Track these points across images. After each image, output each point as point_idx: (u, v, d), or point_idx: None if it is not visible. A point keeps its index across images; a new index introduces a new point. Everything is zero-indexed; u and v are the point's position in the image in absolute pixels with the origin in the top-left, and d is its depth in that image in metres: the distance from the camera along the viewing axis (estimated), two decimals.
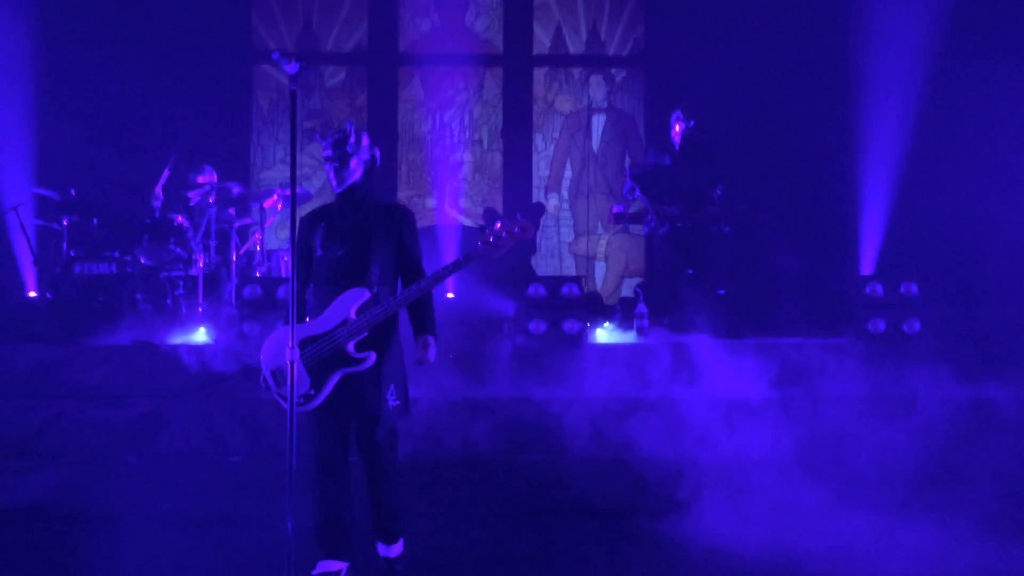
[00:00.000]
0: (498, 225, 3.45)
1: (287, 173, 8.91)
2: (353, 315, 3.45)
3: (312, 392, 3.49)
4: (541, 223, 9.05)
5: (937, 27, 7.66)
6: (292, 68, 3.27)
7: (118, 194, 7.49)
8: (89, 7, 8.25)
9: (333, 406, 3.50)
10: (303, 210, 3.94)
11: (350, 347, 3.45)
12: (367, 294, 3.48)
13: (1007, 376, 5.68)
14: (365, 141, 3.65)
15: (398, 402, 3.55)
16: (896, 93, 7.90)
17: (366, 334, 3.46)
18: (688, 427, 5.25)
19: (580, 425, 5.40)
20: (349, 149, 3.59)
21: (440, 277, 3.45)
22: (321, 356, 3.47)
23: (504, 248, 3.43)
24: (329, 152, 3.58)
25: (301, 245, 3.63)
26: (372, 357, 3.46)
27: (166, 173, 6.94)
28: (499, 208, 9.04)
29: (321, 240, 3.58)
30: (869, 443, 5.06)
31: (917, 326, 6.29)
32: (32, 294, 7.29)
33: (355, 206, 3.60)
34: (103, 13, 8.32)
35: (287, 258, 7.16)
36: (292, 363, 3.24)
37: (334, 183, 3.61)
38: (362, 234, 3.57)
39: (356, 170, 3.60)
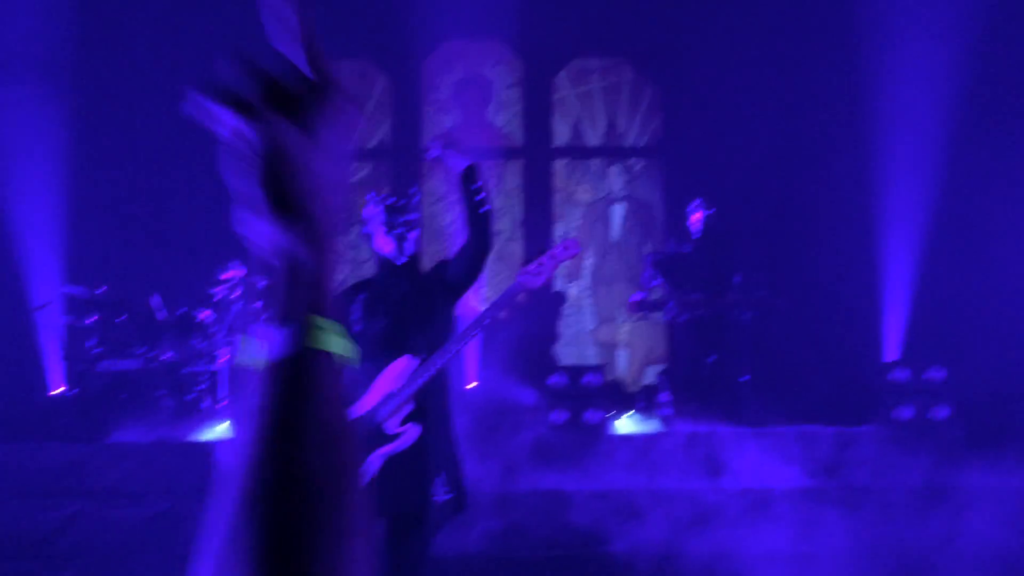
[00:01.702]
0: (540, 253, 3.22)
1: None
2: (398, 387, 3.13)
3: None
4: (562, 311, 9.06)
5: (959, 102, 7.70)
6: None
7: (146, 290, 7.62)
8: (119, 105, 8.55)
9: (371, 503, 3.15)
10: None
11: (389, 425, 3.12)
12: (415, 362, 3.16)
13: None
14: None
15: (451, 495, 3.16)
16: (918, 173, 7.91)
17: (412, 406, 3.14)
18: (714, 519, 5.13)
19: (603, 518, 5.30)
20: (414, 216, 3.35)
21: (482, 321, 3.15)
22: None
23: (548, 272, 3.20)
24: (396, 218, 3.29)
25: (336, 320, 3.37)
26: (413, 431, 3.11)
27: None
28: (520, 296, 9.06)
29: (361, 314, 3.29)
30: (905, 535, 4.91)
31: (945, 413, 6.16)
32: (59, 390, 7.38)
33: (402, 277, 3.34)
34: (133, 109, 8.61)
35: None
36: None
37: (393, 253, 3.32)
38: (408, 302, 3.29)
39: (418, 240, 3.37)
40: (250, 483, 0.69)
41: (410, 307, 3.30)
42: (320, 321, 0.75)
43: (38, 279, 7.72)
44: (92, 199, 8.35)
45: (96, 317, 6.79)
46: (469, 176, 3.26)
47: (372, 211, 3.37)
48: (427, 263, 3.49)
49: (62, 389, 7.32)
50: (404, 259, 3.33)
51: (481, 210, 3.26)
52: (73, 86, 8.15)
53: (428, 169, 9.38)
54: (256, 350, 0.75)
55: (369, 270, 3.51)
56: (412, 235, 3.35)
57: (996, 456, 5.44)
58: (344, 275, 8.78)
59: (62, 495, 5.60)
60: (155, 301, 6.90)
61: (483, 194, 3.25)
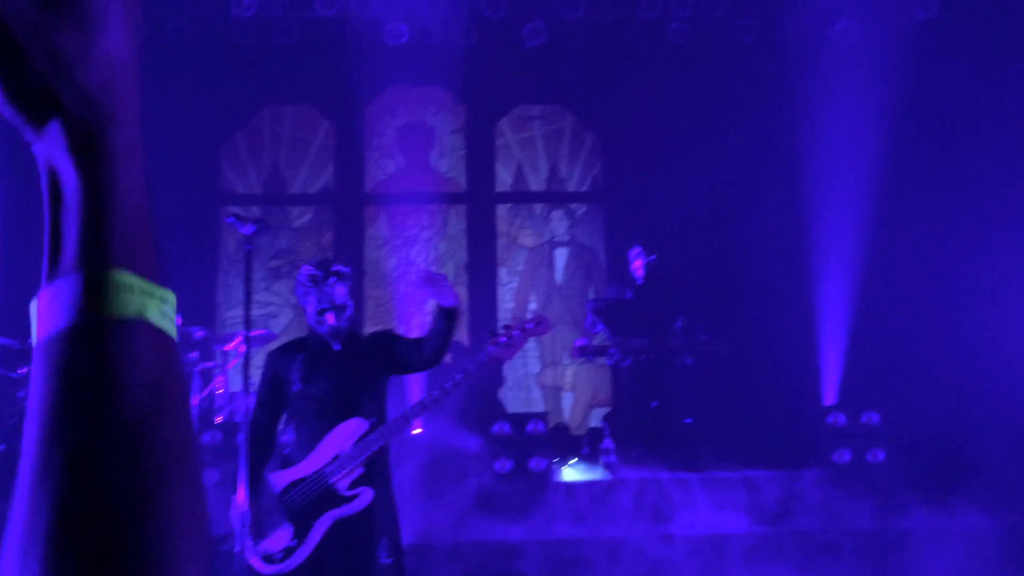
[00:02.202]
0: (509, 325, 3.24)
1: (255, 312, 8.89)
2: (349, 448, 3.15)
3: (294, 543, 3.12)
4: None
5: (890, 148, 7.97)
6: (247, 230, 3.29)
7: None
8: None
9: (314, 564, 3.11)
10: (268, 348, 3.75)
11: (341, 486, 3.14)
12: (365, 425, 3.20)
13: (978, 503, 5.66)
14: None
15: (391, 559, 3.19)
16: (851, 218, 8.15)
17: (362, 471, 3.16)
18: (662, 567, 5.15)
19: (548, 568, 5.28)
20: (343, 301, 3.37)
21: (448, 391, 3.15)
22: (306, 500, 3.14)
23: (519, 346, 3.21)
24: (324, 304, 3.31)
25: (271, 380, 3.35)
26: (367, 495, 3.13)
27: None
28: (465, 341, 9.08)
29: (300, 374, 3.30)
30: None
31: (881, 456, 6.30)
32: None
33: (338, 345, 3.38)
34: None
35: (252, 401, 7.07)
36: (243, 522, 3.13)
37: (330, 336, 3.34)
38: (351, 365, 3.32)
39: (348, 318, 3.39)
40: (24, 516, 0.48)
41: (353, 371, 3.33)
42: (121, 278, 0.52)
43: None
44: (24, 244, 8.15)
45: (27, 368, 6.59)
46: (452, 315, 3.30)
47: (302, 292, 3.42)
48: (367, 317, 3.53)
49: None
50: (339, 344, 3.39)
51: (449, 339, 3.33)
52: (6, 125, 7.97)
53: (371, 215, 9.37)
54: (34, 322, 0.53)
55: (291, 313, 3.58)
56: (345, 315, 3.39)
57: (934, 498, 5.57)
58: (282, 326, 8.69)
59: None
60: None
61: (452, 333, 3.32)
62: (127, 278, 0.52)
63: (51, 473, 0.48)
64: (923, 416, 6.89)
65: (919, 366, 7.64)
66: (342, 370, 3.33)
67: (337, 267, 3.44)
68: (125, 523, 0.48)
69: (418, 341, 3.40)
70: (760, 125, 8.59)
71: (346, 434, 3.21)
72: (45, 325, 0.52)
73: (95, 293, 0.51)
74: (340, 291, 3.39)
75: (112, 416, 0.49)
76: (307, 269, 3.43)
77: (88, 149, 0.53)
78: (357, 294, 8.90)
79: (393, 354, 3.41)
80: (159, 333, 0.53)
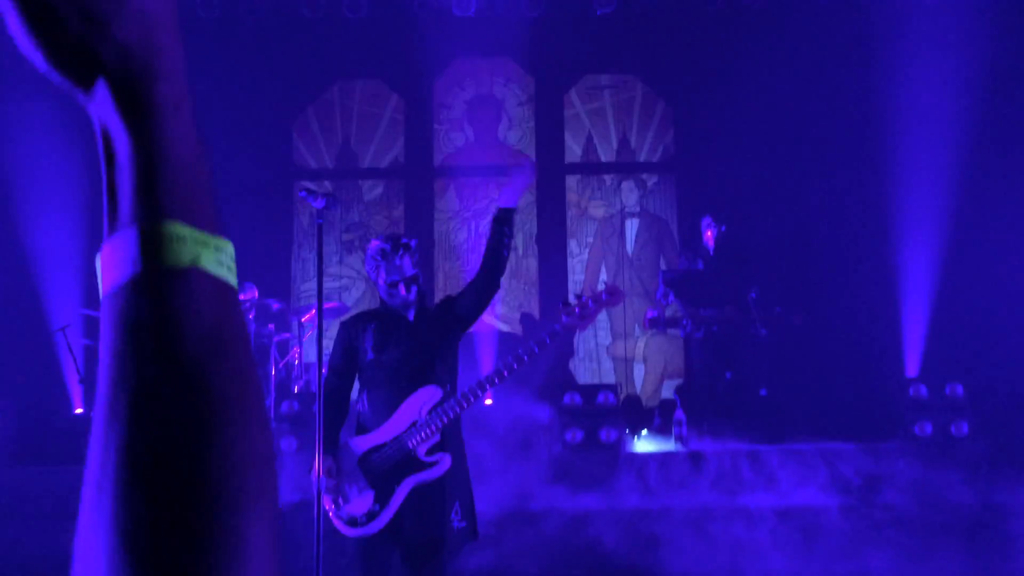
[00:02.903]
0: (582, 295, 3.25)
1: (328, 284, 9.07)
2: (424, 416, 3.23)
3: (377, 508, 3.21)
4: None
5: (977, 115, 7.67)
6: (319, 204, 3.32)
7: None
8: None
9: (394, 527, 3.20)
10: (342, 319, 3.80)
11: (421, 451, 3.21)
12: (439, 393, 3.27)
13: None
14: None
15: (464, 523, 3.26)
16: (935, 187, 7.86)
17: (438, 438, 3.24)
18: (730, 539, 5.10)
19: (618, 537, 5.27)
20: (413, 272, 3.43)
21: (522, 360, 3.18)
22: (387, 465, 3.22)
23: (593, 317, 3.24)
24: (395, 276, 3.37)
25: (344, 349, 3.42)
26: (445, 460, 3.21)
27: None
28: (535, 313, 9.08)
29: (373, 343, 3.37)
30: (924, 552, 4.86)
31: (965, 429, 6.11)
32: (79, 411, 7.43)
33: (409, 315, 3.44)
34: None
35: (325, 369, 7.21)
36: (319, 491, 3.20)
37: (397, 305, 3.41)
38: (422, 334, 3.38)
39: (418, 290, 3.45)
40: (97, 471, 0.50)
41: (424, 339, 3.38)
42: (175, 228, 0.52)
43: (57, 301, 7.79)
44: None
45: None
46: (506, 217, 3.41)
47: (372, 265, 3.48)
48: (438, 289, 3.58)
49: (80, 411, 7.38)
50: (412, 314, 3.44)
51: (503, 252, 3.38)
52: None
53: (441, 188, 9.42)
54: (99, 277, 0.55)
55: (363, 286, 3.63)
56: (414, 289, 3.44)
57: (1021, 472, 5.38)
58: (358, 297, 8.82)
59: (26, 517, 5.63)
60: None
61: (509, 238, 3.33)
62: (180, 229, 0.53)
63: (118, 415, 0.50)
64: (1008, 388, 6.65)
65: (1004, 337, 7.37)
66: (414, 339, 3.39)
67: (405, 240, 3.49)
68: (189, 458, 0.49)
69: (472, 281, 3.46)
70: (839, 90, 8.33)
71: (421, 402, 3.27)
72: (108, 279, 0.54)
73: (150, 245, 0.52)
74: (409, 263, 3.43)
75: (173, 360, 0.51)
76: (376, 243, 3.49)
77: (133, 104, 0.54)
78: (427, 266, 8.98)
79: (456, 308, 3.46)
80: (216, 280, 0.54)
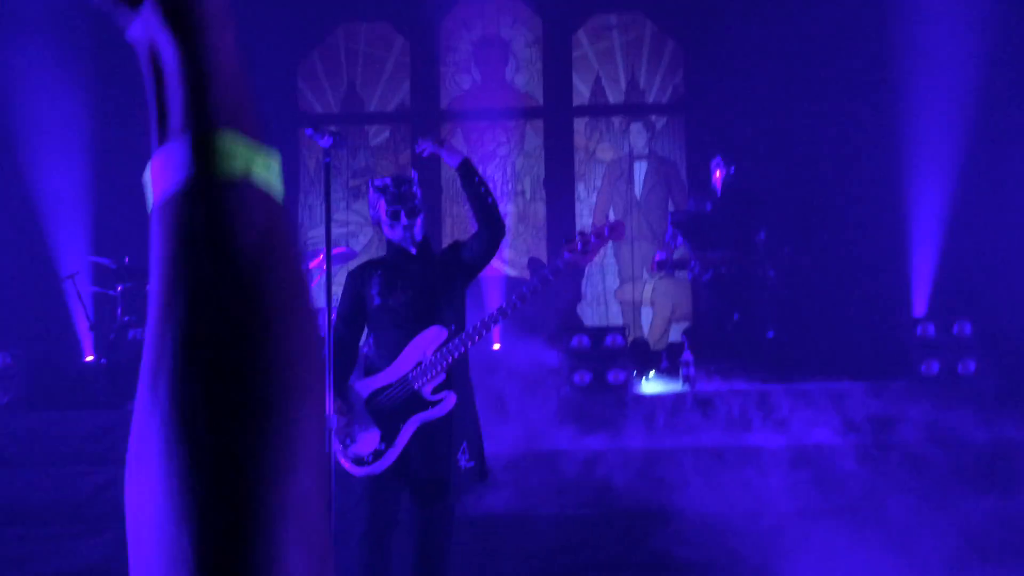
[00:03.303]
0: (585, 231, 3.24)
1: (335, 231, 9.03)
2: (430, 356, 3.24)
3: (383, 447, 3.24)
4: (585, 270, 9.04)
5: (986, 57, 7.53)
6: (325, 142, 3.29)
7: None
8: (137, 74, 8.55)
9: (401, 465, 3.24)
10: (349, 266, 3.81)
11: (426, 390, 3.24)
12: (445, 332, 3.27)
13: None
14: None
15: (472, 463, 3.30)
16: (946, 127, 7.75)
17: (444, 376, 3.25)
18: (739, 479, 5.14)
19: (627, 477, 5.33)
20: (417, 201, 3.40)
21: (525, 297, 3.21)
22: (393, 404, 3.24)
23: (595, 252, 3.25)
24: (398, 207, 3.35)
25: (352, 296, 3.41)
26: (450, 399, 3.23)
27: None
28: (543, 257, 9.07)
29: (379, 289, 3.37)
30: (933, 491, 4.90)
31: (972, 367, 6.11)
32: (89, 358, 7.50)
33: (415, 260, 3.41)
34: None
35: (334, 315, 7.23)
36: (330, 430, 3.23)
37: (402, 241, 3.38)
38: (427, 278, 3.37)
39: (424, 223, 3.44)
40: (153, 376, 0.51)
41: (429, 282, 3.38)
42: (226, 138, 0.53)
43: (65, 249, 7.82)
44: (118, 167, 8.39)
45: (123, 286, 6.87)
46: (466, 171, 3.33)
47: (373, 200, 3.45)
48: (446, 235, 3.58)
49: (91, 358, 7.45)
50: (415, 249, 3.42)
51: (487, 200, 3.33)
52: (97, 49, 8.15)
53: (448, 132, 9.34)
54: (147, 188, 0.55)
55: (370, 232, 3.62)
56: (418, 220, 3.42)
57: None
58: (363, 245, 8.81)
59: (96, 462, 5.70)
60: None
61: (484, 186, 3.31)
62: (232, 137, 0.54)
63: (175, 312, 0.52)
64: (1016, 326, 6.64)
65: (1012, 275, 7.33)
66: (419, 280, 3.38)
67: (407, 176, 3.51)
68: (245, 347, 0.51)
69: (476, 232, 3.44)
70: (850, 29, 8.18)
71: (426, 342, 3.28)
72: (158, 189, 0.54)
73: (202, 153, 0.53)
74: (410, 194, 3.41)
75: (229, 262, 0.52)
76: (376, 180, 3.50)
77: (181, 18, 0.55)
78: (435, 212, 8.95)
79: (462, 255, 3.45)
80: (266, 190, 0.55)
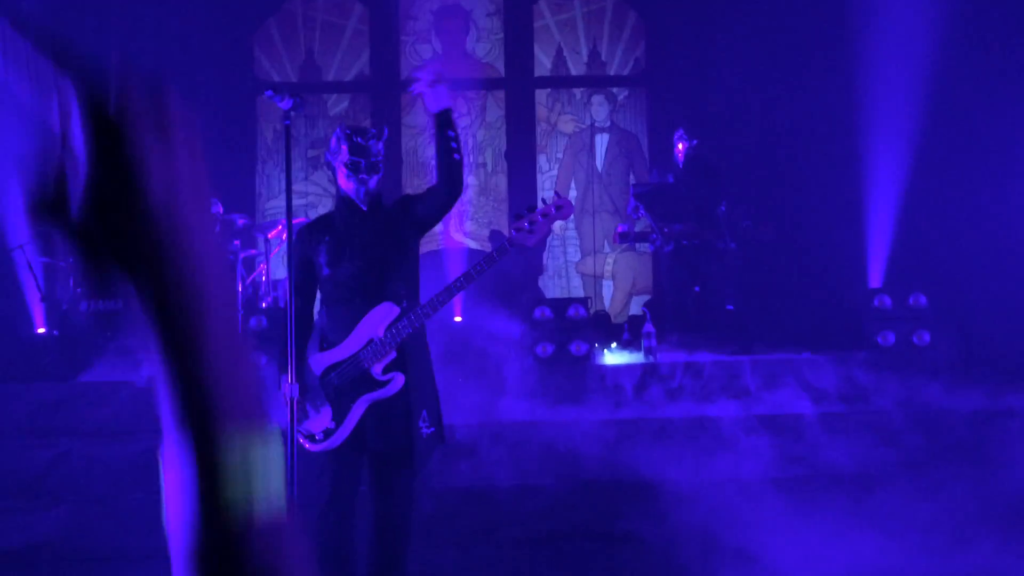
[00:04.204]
0: (533, 208, 3.18)
1: (294, 202, 8.90)
2: (381, 334, 3.21)
3: (332, 426, 3.23)
4: (547, 243, 9.03)
5: (942, 34, 7.61)
6: (286, 104, 3.20)
7: None
8: (93, 42, 8.31)
9: (356, 440, 3.23)
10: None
11: (375, 370, 3.21)
12: (396, 310, 3.23)
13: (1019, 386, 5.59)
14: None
15: (432, 429, 3.28)
16: (901, 102, 7.84)
17: (395, 355, 3.23)
18: (698, 447, 5.19)
19: (590, 448, 5.35)
20: (379, 158, 3.30)
21: (472, 275, 3.17)
22: (343, 383, 3.23)
23: (542, 231, 3.18)
24: (359, 160, 3.25)
25: (301, 262, 3.32)
26: (399, 380, 3.21)
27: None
28: (504, 230, 9.03)
29: (328, 258, 3.29)
30: (881, 457, 5.00)
31: (927, 338, 6.22)
32: (40, 330, 7.32)
33: (366, 217, 3.32)
34: (106, 48, 8.38)
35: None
36: (292, 400, 3.19)
37: (355, 195, 3.29)
38: (375, 245, 3.28)
39: (379, 180, 3.34)
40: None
41: (380, 250, 3.30)
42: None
43: (14, 219, 7.58)
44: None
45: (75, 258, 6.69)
46: (444, 121, 3.26)
47: (335, 147, 3.35)
48: (394, 198, 3.53)
49: (43, 330, 7.26)
50: (366, 206, 3.33)
51: (454, 156, 3.26)
52: (42, 15, 7.89)
53: (409, 102, 9.22)
54: None
55: (330, 204, 3.51)
56: (375, 178, 3.33)
57: (983, 380, 5.51)
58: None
59: (51, 434, 5.58)
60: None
61: (455, 142, 3.24)
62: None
63: None
64: (970, 298, 6.77)
65: (967, 248, 7.47)
66: (369, 245, 3.30)
67: (365, 126, 3.41)
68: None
69: (432, 187, 3.37)
70: (813, 4, 8.21)
71: (377, 319, 3.24)
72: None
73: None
74: (373, 146, 3.32)
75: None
76: (338, 130, 3.39)
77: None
78: (395, 183, 8.85)
79: (415, 210, 3.37)
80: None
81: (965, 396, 5.38)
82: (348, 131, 3.32)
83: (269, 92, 3.20)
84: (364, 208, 3.33)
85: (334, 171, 3.38)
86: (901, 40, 7.75)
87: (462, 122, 9.26)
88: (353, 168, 3.29)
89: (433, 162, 3.34)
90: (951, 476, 4.53)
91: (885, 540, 3.99)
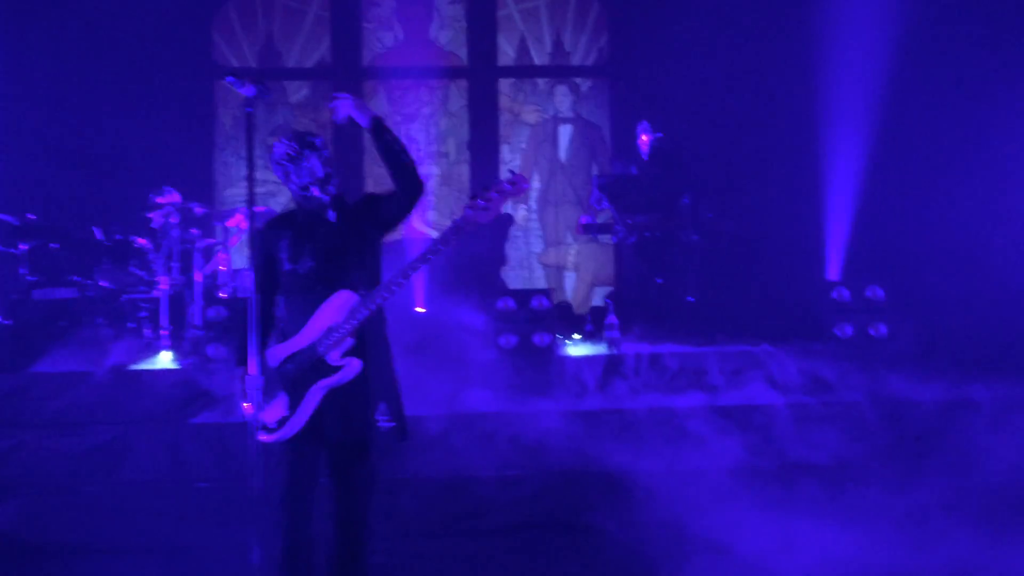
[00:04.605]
0: (487, 187, 3.16)
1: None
2: (340, 321, 3.19)
3: (287, 414, 3.21)
4: (509, 234, 9.02)
5: (900, 30, 7.73)
6: (248, 91, 3.15)
7: (78, 217, 7.34)
8: (46, 25, 8.12)
9: (313, 430, 3.21)
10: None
11: (331, 357, 3.19)
12: (355, 297, 3.21)
13: (976, 377, 5.70)
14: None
15: (392, 424, 3.27)
16: (860, 97, 7.96)
17: (352, 342, 3.20)
18: (662, 438, 5.22)
19: (555, 439, 5.34)
20: (327, 171, 3.33)
21: (427, 258, 3.18)
22: (299, 371, 3.20)
23: (496, 209, 3.16)
24: (305, 179, 3.29)
25: (262, 257, 3.33)
26: (354, 364, 3.18)
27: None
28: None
29: (288, 253, 3.29)
30: (843, 448, 5.07)
31: (884, 330, 6.32)
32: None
33: (327, 216, 3.34)
34: (61, 31, 8.19)
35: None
36: (255, 389, 3.15)
37: (329, 206, 3.33)
38: (335, 240, 3.30)
39: (335, 186, 3.35)
40: None
41: (340, 244, 3.31)
42: None
43: None
44: (18, 120, 7.96)
45: (27, 245, 6.54)
46: (379, 128, 3.29)
47: (279, 171, 3.36)
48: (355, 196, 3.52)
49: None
50: (331, 212, 3.35)
51: (402, 158, 3.28)
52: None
53: (370, 90, 9.14)
54: None
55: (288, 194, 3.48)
56: (328, 186, 3.35)
57: (938, 371, 5.60)
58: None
59: (3, 425, 5.44)
60: (98, 232, 6.66)
61: (398, 144, 3.24)
62: None
63: None
64: (928, 292, 6.89)
65: (923, 242, 7.61)
66: (330, 245, 3.31)
67: (311, 139, 3.37)
68: None
69: (394, 190, 3.35)
70: None
71: (336, 306, 3.22)
72: None
73: None
74: (318, 163, 3.33)
75: None
76: (280, 147, 3.36)
77: None
78: (357, 172, 8.77)
79: (379, 210, 3.37)
80: None
81: (927, 388, 5.47)
82: (287, 155, 3.32)
83: (230, 79, 3.15)
84: (331, 219, 3.36)
85: (288, 183, 3.37)
86: (861, 34, 7.86)
87: (424, 111, 9.20)
88: (305, 190, 3.33)
89: (387, 172, 3.32)
90: (918, 468, 4.61)
91: (855, 532, 4.06)
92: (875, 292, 6.44)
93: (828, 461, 4.89)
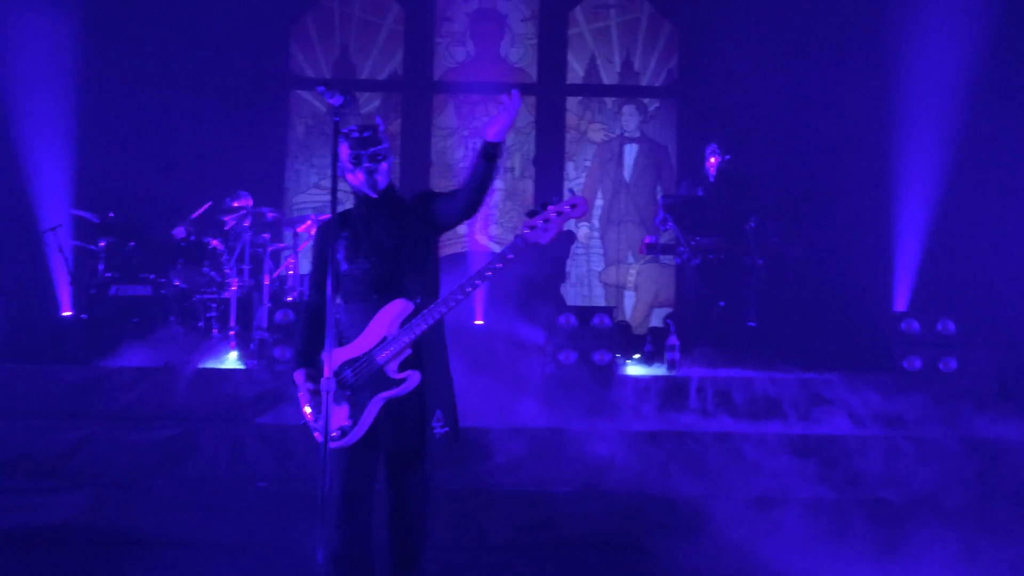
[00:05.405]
0: (547, 204, 3.13)
1: (321, 198, 8.97)
2: (395, 331, 3.21)
3: (348, 424, 3.24)
4: (571, 251, 9.02)
5: (976, 55, 7.57)
6: (336, 100, 3.22)
7: (155, 217, 7.57)
8: (130, 33, 8.41)
9: (370, 438, 3.24)
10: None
11: (390, 368, 3.22)
12: (410, 307, 3.23)
13: None
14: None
15: (446, 428, 3.30)
16: (933, 121, 7.79)
17: (410, 352, 3.23)
18: (723, 463, 5.16)
19: (609, 458, 5.31)
20: (383, 147, 3.37)
21: (485, 276, 3.17)
22: (359, 380, 3.24)
23: (556, 230, 3.12)
24: (361, 151, 3.32)
25: (322, 260, 3.38)
26: (414, 377, 3.21)
27: (202, 210, 6.99)
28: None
29: (344, 253, 3.34)
30: (908, 483, 4.95)
31: (954, 365, 6.15)
32: (67, 314, 7.38)
33: (381, 210, 3.37)
34: (144, 39, 8.47)
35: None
36: (327, 392, 3.18)
37: (364, 186, 3.35)
38: (390, 238, 3.33)
39: (389, 170, 3.39)
40: None
41: (395, 245, 3.32)
42: None
43: (47, 201, 7.66)
44: (102, 122, 8.24)
45: (106, 242, 6.75)
46: (497, 152, 3.22)
47: (341, 147, 3.38)
48: (414, 191, 3.55)
49: (69, 313, 7.32)
50: (376, 194, 3.37)
51: (488, 183, 3.28)
52: (83, 4, 7.99)
53: (440, 104, 9.25)
54: None
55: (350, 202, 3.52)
56: (383, 166, 3.37)
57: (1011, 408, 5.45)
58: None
59: (74, 417, 5.61)
60: (179, 232, 6.85)
61: (496, 174, 3.28)
62: None
63: None
64: (997, 327, 6.71)
65: (995, 275, 7.41)
66: (385, 246, 3.33)
67: (371, 122, 3.43)
68: None
69: (455, 190, 3.38)
70: (846, 20, 8.19)
71: (391, 316, 3.24)
72: None
73: None
74: (373, 140, 3.36)
75: None
76: (343, 128, 3.40)
77: None
78: (423, 183, 8.87)
79: (431, 207, 3.39)
80: None
81: (1007, 425, 5.32)
82: (345, 131, 3.37)
83: (321, 88, 3.22)
84: (374, 196, 3.36)
85: (344, 172, 3.42)
86: (935, 59, 7.71)
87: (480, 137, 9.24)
88: (355, 161, 3.34)
89: (465, 166, 3.34)
90: (1003, 509, 4.46)
91: (919, 570, 3.96)
92: (946, 326, 6.26)
93: (903, 496, 4.77)
